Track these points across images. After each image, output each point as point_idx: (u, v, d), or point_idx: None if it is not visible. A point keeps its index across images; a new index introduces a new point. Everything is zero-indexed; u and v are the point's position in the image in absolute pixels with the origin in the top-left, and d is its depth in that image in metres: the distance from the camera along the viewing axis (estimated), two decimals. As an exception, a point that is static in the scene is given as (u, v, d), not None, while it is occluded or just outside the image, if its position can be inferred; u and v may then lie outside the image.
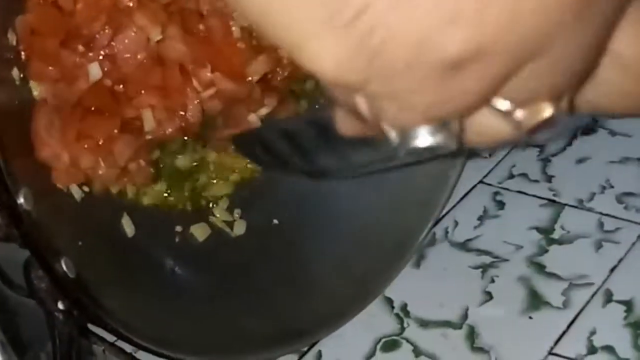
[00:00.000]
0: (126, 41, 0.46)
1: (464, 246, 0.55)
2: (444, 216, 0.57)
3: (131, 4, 0.45)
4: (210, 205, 0.54)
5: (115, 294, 0.44)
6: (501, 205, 0.57)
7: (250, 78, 0.52)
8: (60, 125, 0.44)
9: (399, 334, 0.50)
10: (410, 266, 0.55)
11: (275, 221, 0.55)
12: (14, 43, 0.42)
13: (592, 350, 0.46)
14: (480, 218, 0.57)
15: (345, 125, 0.24)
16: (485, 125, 0.20)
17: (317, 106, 0.59)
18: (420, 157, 0.21)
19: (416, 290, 0.53)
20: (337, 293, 0.53)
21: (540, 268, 0.51)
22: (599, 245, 0.52)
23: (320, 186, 0.58)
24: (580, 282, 0.49)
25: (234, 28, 0.50)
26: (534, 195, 0.57)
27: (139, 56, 0.46)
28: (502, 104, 0.20)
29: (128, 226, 0.49)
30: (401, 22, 0.18)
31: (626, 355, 0.45)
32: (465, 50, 0.18)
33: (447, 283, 0.53)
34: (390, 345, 0.50)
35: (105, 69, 0.46)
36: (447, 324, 0.50)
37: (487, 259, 0.53)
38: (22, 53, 0.43)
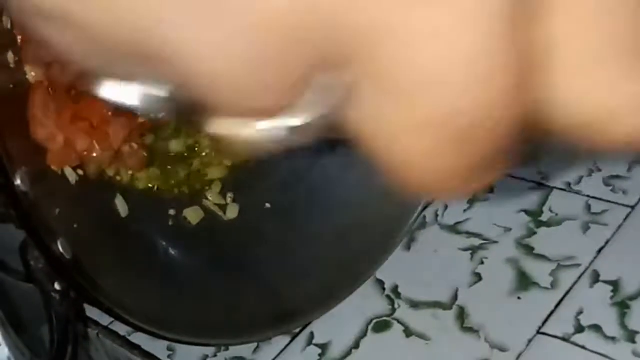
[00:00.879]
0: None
1: (453, 229, 0.56)
2: (434, 199, 0.58)
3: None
4: (204, 188, 0.54)
5: (111, 275, 0.45)
6: (490, 188, 0.58)
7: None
8: (56, 108, 0.44)
9: (390, 314, 0.51)
10: (401, 249, 0.55)
11: (268, 205, 0.56)
12: (9, 27, 0.42)
13: (579, 329, 0.46)
14: (470, 201, 0.57)
15: None
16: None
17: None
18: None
19: (407, 272, 0.54)
20: (329, 275, 0.54)
21: (529, 250, 0.52)
22: (586, 228, 0.52)
23: (313, 170, 0.58)
24: (568, 264, 0.50)
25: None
26: (522, 179, 0.58)
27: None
28: None
29: (122, 206, 0.49)
30: None
31: (612, 333, 0.46)
32: None
33: (437, 265, 0.54)
34: (382, 326, 0.51)
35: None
36: (437, 304, 0.51)
37: (477, 241, 0.54)
38: (17, 37, 0.43)
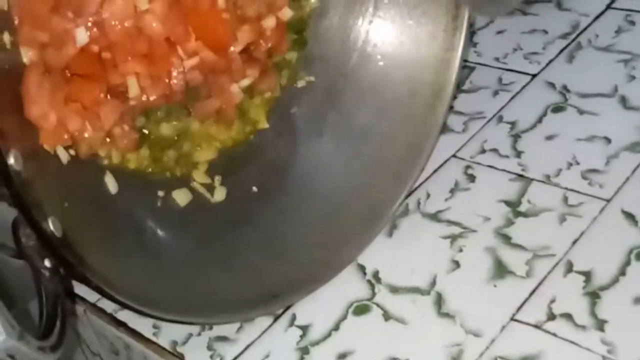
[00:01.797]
0: (114, 8, 0.47)
1: (434, 217, 0.57)
2: (416, 188, 0.60)
3: (120, -27, 0.46)
4: (192, 171, 0.56)
5: (98, 253, 0.46)
6: (472, 178, 0.59)
7: (232, 49, 0.54)
8: (49, 88, 0.45)
9: (370, 299, 0.53)
10: (383, 235, 0.57)
11: (255, 189, 0.57)
12: (5, 8, 0.43)
13: (551, 317, 0.48)
14: (452, 191, 0.59)
15: None
16: None
17: (297, 77, 0.60)
18: None
19: (388, 258, 0.55)
20: (312, 259, 0.55)
21: (506, 239, 0.54)
22: (562, 219, 0.54)
23: (299, 155, 0.59)
24: (543, 253, 0.52)
25: (219, -2, 0.51)
26: (503, 170, 0.59)
27: (125, 24, 0.47)
28: None
29: (111, 184, 0.50)
30: None
31: (583, 322, 0.47)
32: None
33: (417, 252, 0.55)
34: (362, 309, 0.52)
35: (93, 35, 0.47)
36: (416, 290, 0.52)
37: (456, 230, 0.55)
38: (14, 18, 0.44)
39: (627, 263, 0.50)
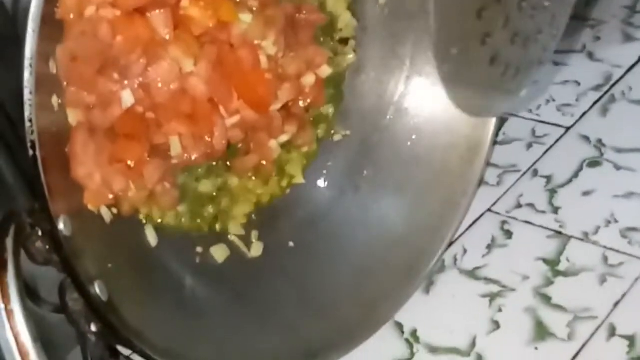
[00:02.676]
0: (160, 71, 0.47)
1: (472, 274, 0.57)
2: (453, 243, 0.59)
3: (167, 37, 0.46)
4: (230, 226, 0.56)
5: (140, 314, 0.46)
6: (509, 234, 0.59)
7: (273, 107, 0.54)
8: (95, 148, 0.46)
9: (409, 359, 0.52)
10: (420, 292, 0.56)
11: (291, 244, 0.57)
12: (54, 71, 0.44)
13: (595, 383, 0.48)
14: (489, 247, 0.58)
15: None
16: None
17: (333, 131, 0.61)
18: None
19: (426, 316, 0.55)
20: (348, 317, 0.55)
21: (547, 299, 0.53)
22: (603, 279, 0.53)
23: (335, 211, 0.59)
24: (585, 315, 0.51)
25: (261, 57, 0.52)
26: (540, 226, 0.59)
27: (171, 86, 0.48)
28: None
29: (152, 237, 0.50)
30: None
31: (628, 389, 0.47)
32: None
33: (455, 310, 0.55)
34: (401, 369, 0.52)
35: (138, 96, 0.47)
36: (455, 350, 0.52)
37: (495, 288, 0.55)
38: (61, 80, 0.44)
39: (671, 327, 0.49)
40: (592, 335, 0.50)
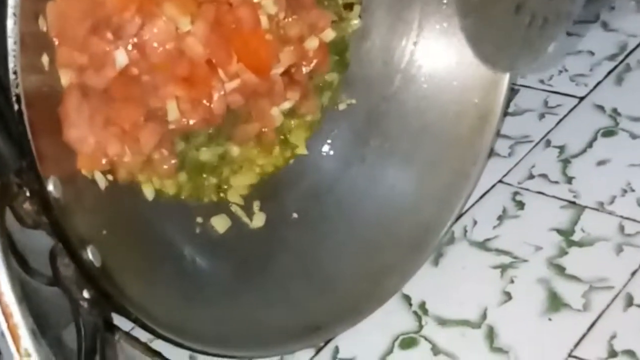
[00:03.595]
0: (155, 30, 0.45)
1: (483, 245, 0.55)
2: (463, 214, 0.57)
3: (162, -6, 0.45)
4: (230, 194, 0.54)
5: (137, 283, 0.44)
6: (521, 205, 0.57)
7: (274, 71, 0.52)
8: (88, 111, 0.44)
9: (417, 331, 0.50)
10: (429, 264, 0.54)
11: (295, 215, 0.55)
12: (44, 29, 0.42)
13: (612, 354, 0.45)
14: (500, 218, 0.56)
15: None
16: None
17: (339, 100, 0.59)
18: None
19: (434, 289, 0.53)
20: (354, 290, 0.53)
21: (560, 270, 0.51)
22: (619, 249, 0.51)
23: (340, 182, 0.57)
24: (601, 285, 0.49)
25: (262, 17, 0.50)
26: (554, 197, 0.57)
27: (166, 46, 0.46)
28: None
29: (149, 193, 0.48)
30: None
31: (647, 360, 0.45)
32: None
33: (465, 282, 0.53)
34: (409, 342, 0.50)
35: (133, 57, 0.45)
36: (465, 323, 0.50)
37: (507, 259, 0.53)
38: (52, 39, 0.43)
39: (692, 296, 0.47)
40: (609, 305, 0.48)
